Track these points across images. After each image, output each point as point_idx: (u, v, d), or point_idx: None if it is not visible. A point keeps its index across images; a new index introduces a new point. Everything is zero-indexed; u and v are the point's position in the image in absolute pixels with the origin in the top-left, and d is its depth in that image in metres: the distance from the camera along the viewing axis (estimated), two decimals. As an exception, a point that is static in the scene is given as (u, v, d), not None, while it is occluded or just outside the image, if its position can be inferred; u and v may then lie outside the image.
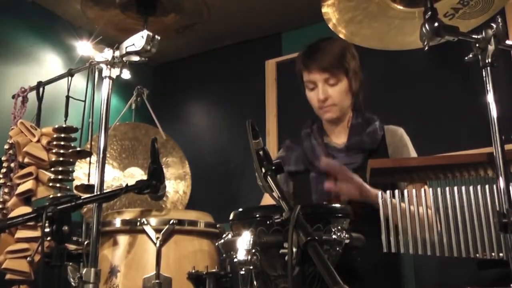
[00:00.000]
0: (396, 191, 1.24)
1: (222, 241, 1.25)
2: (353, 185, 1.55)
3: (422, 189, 1.23)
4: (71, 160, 1.79)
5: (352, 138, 1.77)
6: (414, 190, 1.23)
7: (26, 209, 1.74)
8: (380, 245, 1.20)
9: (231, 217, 1.25)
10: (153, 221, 1.48)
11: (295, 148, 1.87)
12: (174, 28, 2.63)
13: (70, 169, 1.80)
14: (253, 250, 1.06)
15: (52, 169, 1.76)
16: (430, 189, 1.23)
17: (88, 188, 1.65)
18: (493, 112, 1.15)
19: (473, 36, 1.20)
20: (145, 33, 1.36)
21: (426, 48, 1.20)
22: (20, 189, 1.81)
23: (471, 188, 1.20)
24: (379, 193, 1.24)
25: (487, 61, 1.17)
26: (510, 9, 2.53)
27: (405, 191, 1.23)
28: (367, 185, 1.55)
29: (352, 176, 1.56)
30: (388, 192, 1.24)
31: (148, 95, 2.95)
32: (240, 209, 1.24)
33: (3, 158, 1.94)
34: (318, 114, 1.84)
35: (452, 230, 1.18)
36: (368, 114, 1.84)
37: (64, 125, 1.78)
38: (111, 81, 1.42)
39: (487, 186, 1.19)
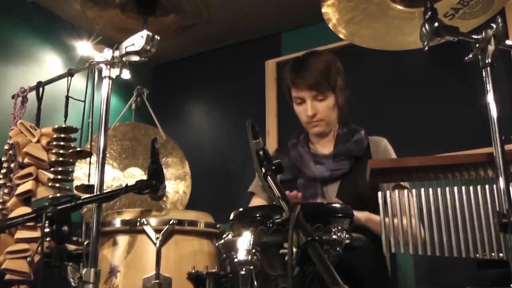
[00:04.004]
0: (396, 191, 1.24)
1: (222, 241, 1.25)
2: None
3: (406, 191, 1.24)
4: (70, 160, 1.79)
5: (339, 146, 1.84)
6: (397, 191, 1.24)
7: (26, 210, 1.74)
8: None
9: (231, 217, 1.25)
10: (153, 221, 1.48)
11: (282, 158, 1.89)
12: (174, 28, 2.63)
13: (70, 169, 1.80)
14: (253, 250, 1.06)
15: (52, 169, 1.76)
16: (431, 189, 1.23)
17: (88, 188, 1.64)
18: (493, 112, 1.15)
19: (473, 36, 1.20)
20: (145, 33, 1.35)
21: (426, 48, 1.20)
22: (20, 189, 1.81)
23: (471, 188, 1.20)
24: (379, 193, 1.24)
25: (487, 61, 1.17)
26: (510, 9, 2.53)
27: (405, 191, 1.23)
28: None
29: None
30: (388, 193, 1.24)
31: (148, 95, 2.93)
32: (240, 209, 1.24)
33: (3, 159, 1.94)
34: (306, 128, 1.90)
35: (452, 230, 1.19)
36: (353, 126, 1.90)
37: (63, 125, 1.78)
38: (111, 81, 1.42)
39: (487, 186, 1.19)
